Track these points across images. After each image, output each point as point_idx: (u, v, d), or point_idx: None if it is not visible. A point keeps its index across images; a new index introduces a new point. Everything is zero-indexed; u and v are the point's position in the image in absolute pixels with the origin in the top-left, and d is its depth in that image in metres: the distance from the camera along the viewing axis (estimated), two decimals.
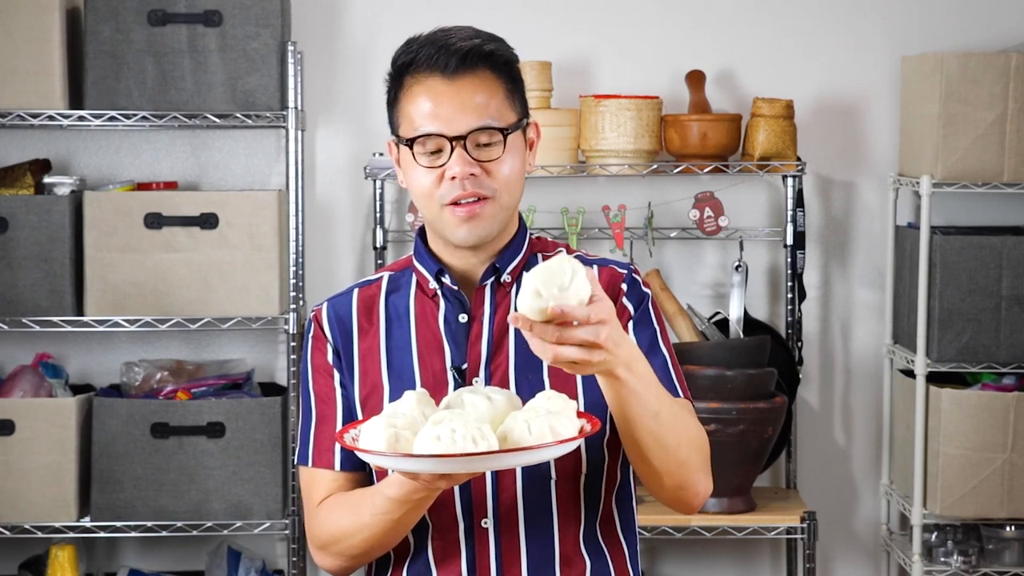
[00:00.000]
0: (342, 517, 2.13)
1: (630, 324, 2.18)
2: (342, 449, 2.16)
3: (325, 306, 2.24)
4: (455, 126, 2.11)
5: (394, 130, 2.20)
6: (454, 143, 2.11)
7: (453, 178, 2.11)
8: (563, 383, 2.13)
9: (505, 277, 2.19)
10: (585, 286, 1.90)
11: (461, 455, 1.89)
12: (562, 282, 1.89)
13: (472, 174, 2.11)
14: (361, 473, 2.19)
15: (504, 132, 2.13)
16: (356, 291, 2.24)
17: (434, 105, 2.12)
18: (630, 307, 2.19)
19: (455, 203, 2.12)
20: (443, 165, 2.12)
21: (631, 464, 2.13)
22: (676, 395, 2.18)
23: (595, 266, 2.21)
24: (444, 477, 1.94)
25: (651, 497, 4.04)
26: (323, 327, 2.21)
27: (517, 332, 2.16)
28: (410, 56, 2.15)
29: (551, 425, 1.94)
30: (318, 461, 2.18)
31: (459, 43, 2.13)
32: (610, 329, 1.91)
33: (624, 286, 2.20)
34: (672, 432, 2.05)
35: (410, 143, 2.14)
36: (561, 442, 1.93)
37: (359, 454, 1.96)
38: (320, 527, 2.17)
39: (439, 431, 1.91)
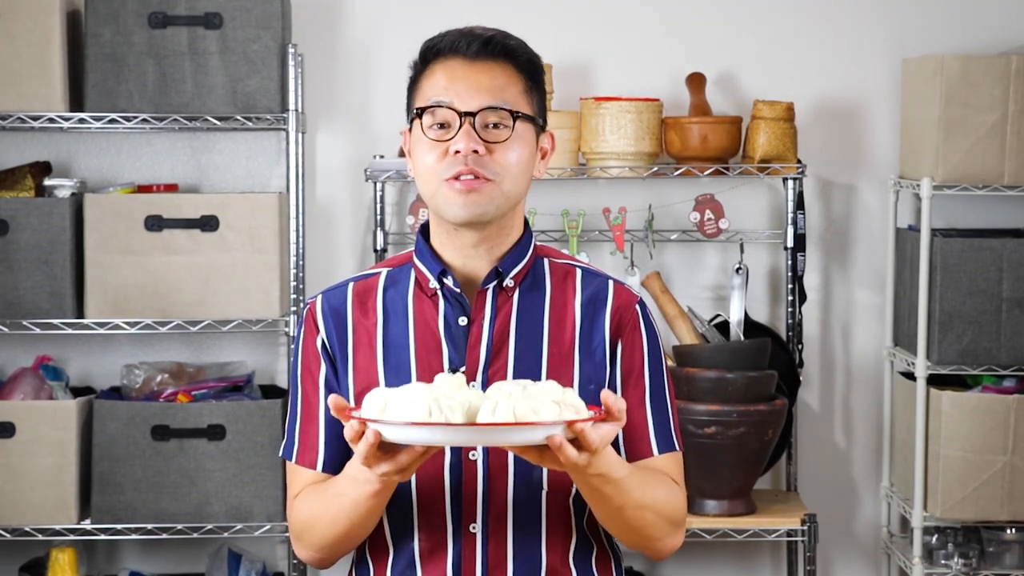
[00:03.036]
0: (311, 504, 2.15)
1: (646, 366, 2.19)
2: (325, 451, 2.17)
3: (319, 299, 2.23)
4: (467, 102, 2.12)
5: (409, 111, 2.20)
6: (463, 118, 2.12)
7: (457, 152, 2.11)
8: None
9: (508, 282, 2.18)
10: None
11: (409, 424, 1.88)
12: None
13: (476, 151, 2.11)
14: None
15: (515, 115, 2.13)
16: (351, 284, 2.23)
17: (450, 81, 2.14)
18: (645, 337, 2.19)
19: (455, 179, 2.11)
20: (449, 139, 2.12)
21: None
22: (672, 448, 2.19)
23: (611, 281, 2.22)
24: (388, 457, 1.94)
25: None
26: (316, 319, 2.20)
27: (517, 338, 2.16)
28: (436, 41, 2.17)
29: (514, 408, 1.90)
30: (301, 459, 2.19)
31: (483, 32, 2.16)
32: (598, 458, 1.97)
33: (638, 308, 2.21)
34: (637, 518, 2.10)
35: (420, 112, 2.14)
36: (510, 425, 1.88)
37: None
38: (295, 517, 2.19)
39: (404, 401, 1.91)
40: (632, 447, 2.17)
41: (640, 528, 2.12)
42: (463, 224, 2.15)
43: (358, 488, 2.05)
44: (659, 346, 2.22)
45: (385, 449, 1.95)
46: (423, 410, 1.89)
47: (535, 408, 1.90)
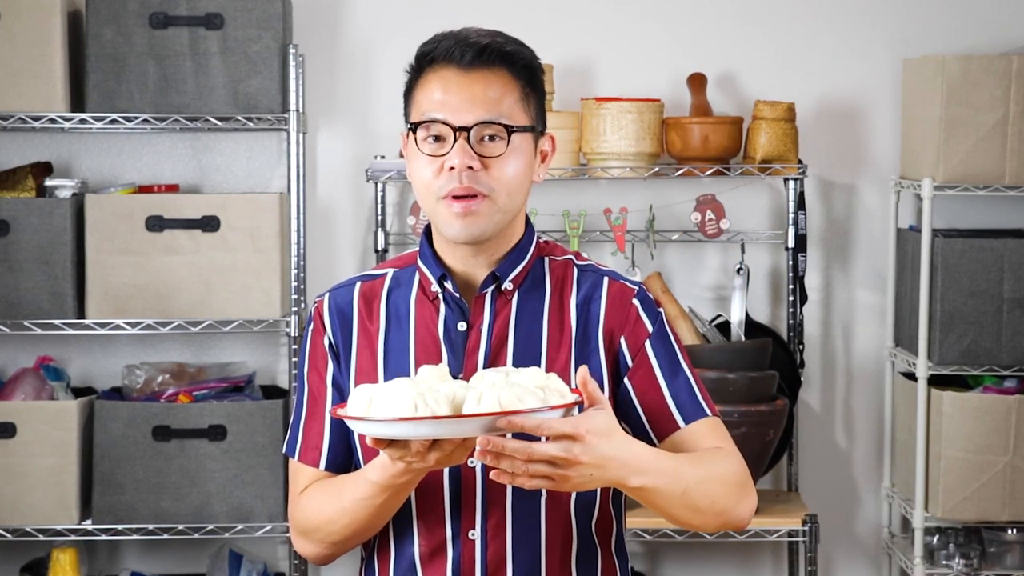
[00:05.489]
0: (324, 504, 2.13)
1: (647, 342, 2.16)
2: (328, 450, 2.17)
3: (327, 297, 2.23)
4: (461, 116, 2.10)
5: (406, 117, 2.18)
6: (457, 133, 2.09)
7: (452, 168, 2.09)
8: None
9: (506, 285, 2.17)
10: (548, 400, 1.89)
11: (397, 419, 1.86)
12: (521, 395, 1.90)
13: (471, 167, 2.09)
14: (344, 473, 2.19)
15: (510, 130, 2.11)
16: (359, 284, 2.23)
17: (444, 93, 2.11)
18: (647, 323, 2.17)
19: (452, 197, 2.10)
20: (444, 155, 2.10)
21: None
22: (703, 414, 2.17)
23: (606, 278, 2.19)
24: (396, 446, 1.92)
25: None
26: (323, 318, 2.21)
27: (515, 342, 2.15)
28: (431, 47, 2.14)
29: (499, 397, 1.89)
30: (304, 457, 2.19)
31: (479, 38, 2.13)
32: (585, 445, 1.89)
33: (636, 302, 2.18)
34: (704, 495, 2.05)
35: (414, 127, 2.12)
36: (497, 414, 1.86)
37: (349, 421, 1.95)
38: (302, 514, 2.17)
39: (389, 395, 1.90)
40: (657, 426, 2.14)
41: (713, 503, 2.06)
42: (461, 243, 2.15)
43: (386, 492, 2.03)
44: (664, 324, 2.18)
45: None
46: (408, 405, 1.89)
47: (520, 396, 1.90)
